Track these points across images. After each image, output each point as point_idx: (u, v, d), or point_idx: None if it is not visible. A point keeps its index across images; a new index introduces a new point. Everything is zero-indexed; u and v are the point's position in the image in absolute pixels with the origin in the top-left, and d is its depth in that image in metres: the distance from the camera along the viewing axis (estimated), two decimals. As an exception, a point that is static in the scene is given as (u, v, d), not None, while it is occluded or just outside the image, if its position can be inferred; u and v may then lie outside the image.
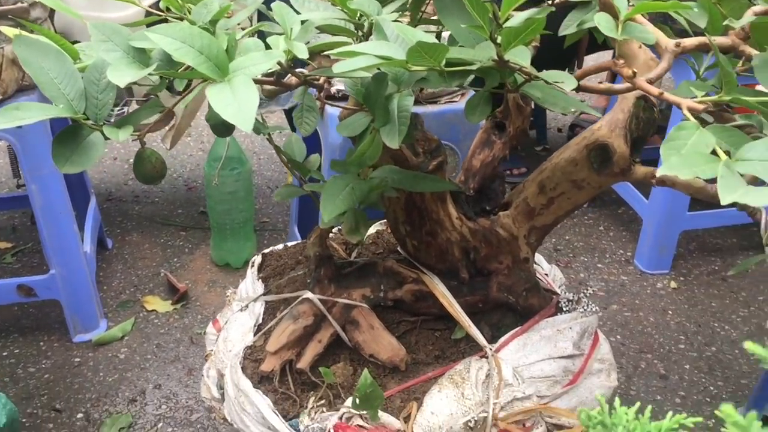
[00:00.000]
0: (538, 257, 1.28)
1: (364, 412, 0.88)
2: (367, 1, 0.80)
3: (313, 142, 1.52)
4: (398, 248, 1.10)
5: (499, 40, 0.65)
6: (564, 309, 1.10)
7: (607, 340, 1.17)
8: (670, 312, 2.05)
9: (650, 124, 0.92)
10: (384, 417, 0.89)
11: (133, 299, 2.06)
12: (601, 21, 0.65)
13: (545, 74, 0.68)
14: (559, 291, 1.19)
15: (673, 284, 2.18)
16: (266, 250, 1.24)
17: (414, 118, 0.93)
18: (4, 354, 1.85)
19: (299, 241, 1.27)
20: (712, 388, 1.79)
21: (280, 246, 1.25)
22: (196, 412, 1.68)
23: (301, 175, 1.05)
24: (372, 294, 1.02)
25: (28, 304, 1.95)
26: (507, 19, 0.65)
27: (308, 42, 0.78)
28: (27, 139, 1.63)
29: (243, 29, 0.95)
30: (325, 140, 1.70)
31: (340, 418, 0.89)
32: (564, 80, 0.66)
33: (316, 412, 0.91)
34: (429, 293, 1.02)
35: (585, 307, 1.11)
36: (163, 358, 1.85)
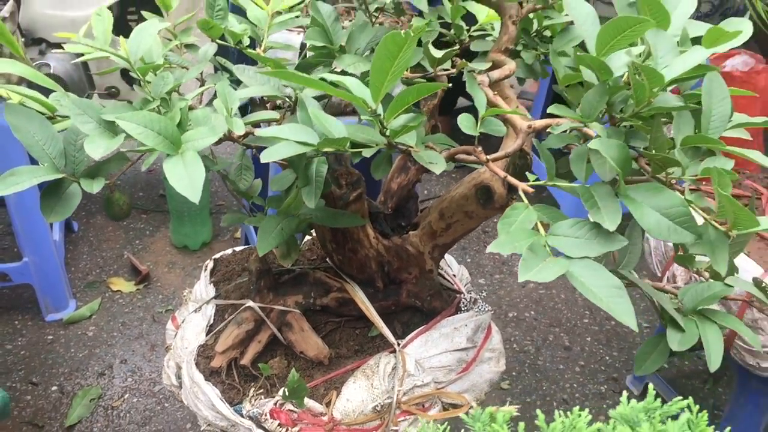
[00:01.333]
0: (450, 259, 1.50)
1: (293, 400, 1.09)
2: (301, 74, 0.99)
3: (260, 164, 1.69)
4: (328, 260, 1.31)
5: (387, 133, 0.85)
6: (463, 308, 1.32)
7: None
8: (600, 325, 2.28)
9: (524, 169, 1.12)
10: (309, 403, 1.11)
11: (99, 280, 2.24)
12: (463, 122, 0.86)
13: (423, 154, 0.88)
14: (464, 290, 1.40)
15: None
16: (217, 255, 1.43)
17: (339, 156, 1.13)
18: (-17, 333, 2.02)
19: (246, 247, 1.47)
20: (608, 358, 2.06)
21: (230, 251, 1.44)
22: (158, 384, 1.89)
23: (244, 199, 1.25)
24: (304, 301, 1.23)
25: (3, 287, 2.12)
26: (396, 117, 0.84)
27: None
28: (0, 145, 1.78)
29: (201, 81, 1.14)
30: (269, 171, 1.84)
31: (275, 404, 1.11)
32: (436, 162, 0.87)
33: (255, 400, 1.12)
34: (350, 299, 1.24)
35: (480, 307, 1.33)
36: (127, 335, 2.04)
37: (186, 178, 0.84)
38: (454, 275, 1.45)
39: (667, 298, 1.01)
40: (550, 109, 0.85)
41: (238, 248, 1.45)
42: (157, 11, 2.45)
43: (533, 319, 2.18)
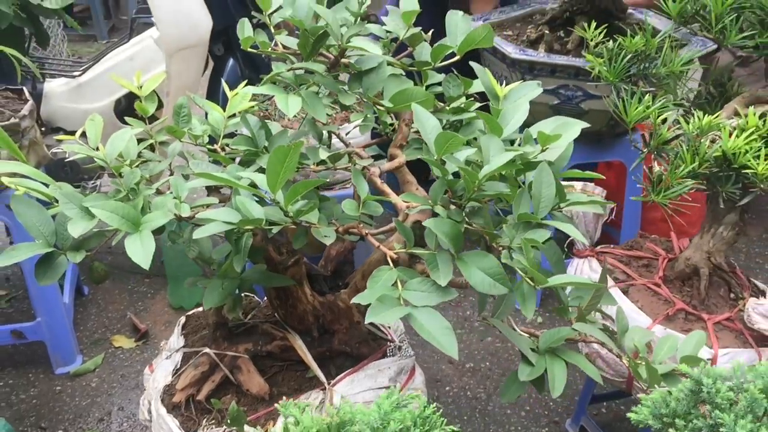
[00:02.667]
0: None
1: (236, 428, 1.34)
2: (233, 171, 1.27)
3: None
4: (275, 313, 1.56)
5: (290, 215, 1.12)
6: (389, 354, 1.56)
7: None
8: (490, 353, 2.47)
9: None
10: (249, 430, 1.35)
11: (103, 338, 2.51)
12: (346, 206, 1.13)
13: (320, 230, 1.15)
14: (396, 339, 1.65)
15: (540, 319, 2.66)
16: (190, 312, 1.69)
17: (283, 230, 1.40)
18: (0, 384, 2.29)
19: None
20: (551, 403, 2.26)
21: (200, 309, 1.71)
22: (150, 428, 2.13)
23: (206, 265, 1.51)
24: (253, 348, 1.49)
25: (19, 344, 2.39)
26: (293, 203, 1.11)
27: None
28: (16, 221, 2.08)
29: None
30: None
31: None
32: (328, 235, 1.13)
33: (208, 429, 1.37)
34: (291, 347, 1.49)
35: (404, 353, 1.57)
36: (126, 385, 2.30)
37: (141, 250, 1.12)
38: (389, 326, 1.69)
39: (526, 339, 1.25)
40: (402, 197, 1.12)
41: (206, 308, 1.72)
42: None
43: (488, 369, 2.40)
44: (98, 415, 2.18)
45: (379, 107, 1.36)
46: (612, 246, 1.91)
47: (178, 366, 1.51)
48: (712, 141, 1.45)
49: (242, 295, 1.40)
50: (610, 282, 1.77)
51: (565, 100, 2.26)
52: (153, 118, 2.95)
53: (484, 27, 1.31)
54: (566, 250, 1.89)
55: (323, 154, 1.25)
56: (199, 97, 1.54)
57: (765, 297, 1.74)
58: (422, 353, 2.40)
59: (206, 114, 1.44)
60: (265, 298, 1.71)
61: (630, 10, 2.46)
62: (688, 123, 1.47)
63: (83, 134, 1.38)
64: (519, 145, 1.21)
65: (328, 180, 1.16)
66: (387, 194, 1.20)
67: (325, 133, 1.44)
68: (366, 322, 0.96)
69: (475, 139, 1.24)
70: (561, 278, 1.05)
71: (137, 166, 1.36)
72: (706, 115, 1.46)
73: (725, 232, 1.72)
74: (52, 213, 1.26)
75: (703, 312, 1.66)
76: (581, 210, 1.79)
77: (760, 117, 1.44)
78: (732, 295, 1.72)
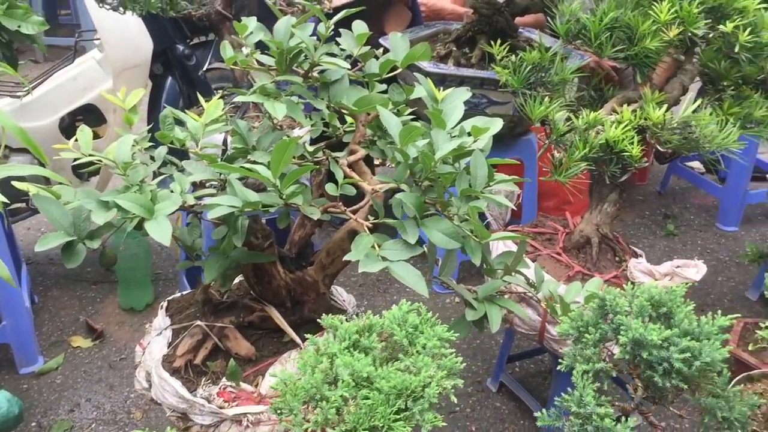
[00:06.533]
0: (341, 290, 2.01)
1: (232, 383, 1.57)
2: (222, 165, 1.51)
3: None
4: (251, 291, 1.80)
5: (284, 197, 1.37)
6: (347, 321, 1.82)
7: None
8: (452, 319, 2.83)
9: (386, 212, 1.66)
10: (243, 386, 1.58)
11: (60, 340, 2.63)
12: (329, 188, 1.39)
13: (307, 209, 1.41)
14: (350, 309, 1.92)
15: (457, 299, 2.99)
16: (170, 297, 1.90)
17: (254, 220, 1.64)
18: (-31, 386, 2.38)
19: (189, 291, 1.94)
20: (474, 367, 2.59)
21: (178, 294, 1.91)
22: (118, 414, 2.29)
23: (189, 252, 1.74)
24: (236, 319, 1.72)
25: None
26: (287, 187, 1.37)
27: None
28: None
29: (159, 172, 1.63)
30: (207, 231, 2.34)
31: (220, 388, 1.58)
32: (313, 213, 1.40)
33: (206, 387, 1.59)
34: (269, 317, 1.73)
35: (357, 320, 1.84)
36: (89, 380, 2.44)
37: (160, 230, 1.34)
38: (344, 300, 1.96)
39: (468, 292, 1.55)
40: (377, 177, 1.40)
41: (183, 292, 1.93)
42: (97, 121, 3.01)
43: (417, 343, 2.70)
44: (68, 407, 2.31)
45: (331, 112, 1.64)
46: (520, 225, 2.27)
47: (170, 340, 1.72)
48: (597, 132, 1.82)
49: (230, 275, 1.64)
50: (522, 253, 2.11)
51: (472, 107, 2.61)
52: (94, 136, 3.12)
53: (422, 45, 1.62)
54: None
55: (309, 148, 1.51)
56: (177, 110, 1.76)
57: (642, 258, 2.14)
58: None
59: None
60: (236, 280, 1.94)
61: (520, 29, 2.85)
62: (578, 119, 1.83)
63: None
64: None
65: (312, 168, 1.42)
66: (355, 178, 1.48)
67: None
68: (360, 271, 1.24)
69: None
70: (498, 234, 1.36)
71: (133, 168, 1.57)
72: (591, 112, 1.83)
73: (609, 208, 2.11)
74: (70, 207, 1.45)
75: (596, 272, 2.03)
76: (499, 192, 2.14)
77: (632, 112, 1.82)
78: (617, 259, 2.11)
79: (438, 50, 2.76)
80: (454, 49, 2.70)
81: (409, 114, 1.66)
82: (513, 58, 2.04)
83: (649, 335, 1.12)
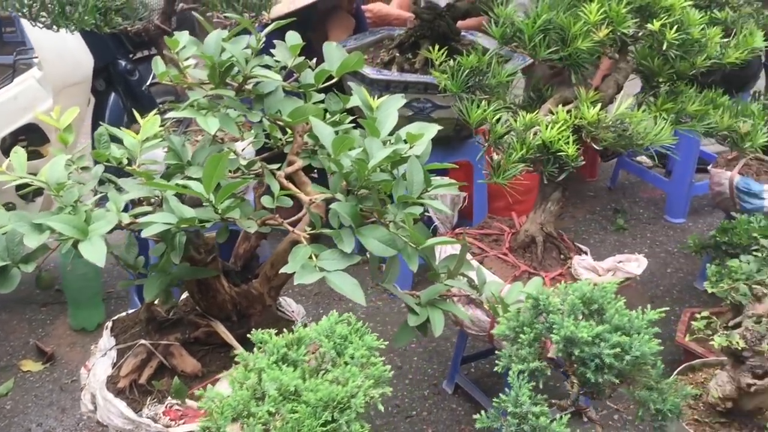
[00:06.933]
0: (290, 301, 2.00)
1: (178, 401, 1.55)
2: (162, 181, 1.49)
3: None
4: (196, 306, 1.79)
5: (219, 212, 1.37)
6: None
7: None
8: None
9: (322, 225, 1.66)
10: (190, 403, 1.57)
11: (10, 365, 2.58)
12: (264, 200, 1.39)
13: (244, 222, 1.40)
14: (299, 320, 1.91)
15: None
16: (115, 317, 1.87)
17: (196, 235, 1.63)
18: None
19: (134, 310, 1.92)
20: (429, 370, 2.60)
21: (124, 313, 1.89)
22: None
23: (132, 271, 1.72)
24: (182, 336, 1.70)
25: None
26: (222, 202, 1.36)
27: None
28: None
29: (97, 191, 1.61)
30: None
31: (166, 407, 1.56)
32: (251, 226, 1.39)
33: (152, 406, 1.57)
34: (215, 332, 1.72)
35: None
36: (41, 404, 2.40)
37: (94, 251, 1.32)
38: (293, 311, 1.96)
39: (411, 297, 1.56)
40: (312, 188, 1.40)
41: (129, 311, 1.91)
42: (41, 140, 2.96)
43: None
44: (18, 434, 2.27)
45: (272, 124, 1.63)
46: (467, 228, 2.29)
47: (115, 361, 1.69)
48: (535, 133, 1.85)
49: (172, 291, 1.62)
50: (469, 255, 2.13)
51: (417, 111, 2.63)
52: (38, 155, 3.05)
53: (355, 54, 1.63)
54: (432, 234, 2.24)
55: (242, 162, 1.51)
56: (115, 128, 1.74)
57: (587, 255, 2.17)
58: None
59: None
60: (182, 296, 1.92)
61: (463, 33, 2.88)
62: (516, 121, 1.86)
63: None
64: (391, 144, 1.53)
65: (248, 181, 1.41)
66: (293, 189, 1.48)
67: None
68: (296, 283, 1.24)
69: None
70: (433, 240, 1.37)
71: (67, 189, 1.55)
72: (529, 113, 1.86)
73: (552, 207, 2.14)
74: (3, 231, 1.43)
75: (542, 271, 2.06)
76: (440, 199, 2.16)
77: (567, 112, 1.86)
78: (562, 256, 2.14)
79: (382, 56, 2.78)
80: (397, 54, 2.72)
81: (351, 122, 1.66)
82: (451, 62, 2.06)
83: (579, 332, 1.15)
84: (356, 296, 1.28)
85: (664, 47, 1.85)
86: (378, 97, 1.95)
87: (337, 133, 1.59)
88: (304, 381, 0.94)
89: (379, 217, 1.40)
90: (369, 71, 2.60)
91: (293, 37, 1.64)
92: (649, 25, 1.84)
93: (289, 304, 1.98)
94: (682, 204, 3.65)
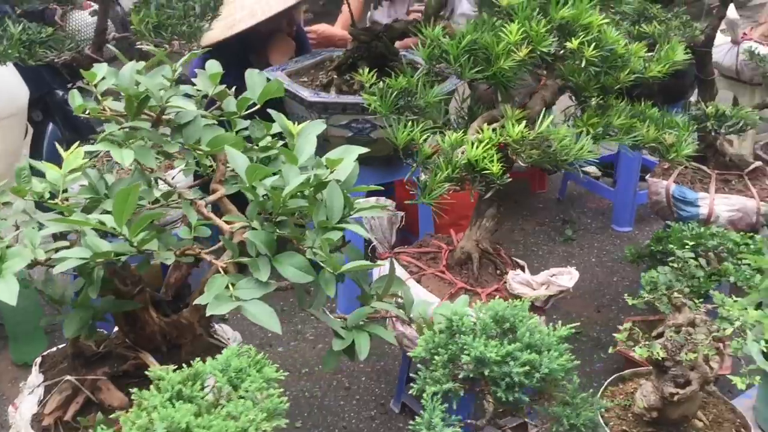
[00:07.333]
0: (226, 328, 1.99)
1: (105, 436, 1.53)
2: (81, 216, 1.48)
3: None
4: (126, 339, 1.77)
5: (135, 245, 1.36)
6: (231, 358, 1.81)
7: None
8: None
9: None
10: (117, 437, 1.55)
11: (-51, 403, 2.52)
12: (181, 233, 1.39)
13: (161, 254, 1.39)
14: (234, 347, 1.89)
15: (363, 323, 2.99)
16: (45, 353, 1.84)
17: (122, 267, 1.61)
18: None
19: (64, 345, 1.89)
20: (377, 390, 2.60)
21: (54, 349, 1.86)
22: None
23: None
24: (110, 370, 1.68)
25: None
26: (137, 234, 1.35)
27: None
28: None
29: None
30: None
31: (93, 443, 1.54)
32: (167, 258, 1.38)
33: (78, 443, 1.55)
34: (145, 364, 1.70)
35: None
36: (-21, 443, 2.34)
37: (6, 290, 1.30)
38: (228, 338, 1.94)
39: (338, 321, 1.56)
40: (225, 218, 1.40)
41: (60, 346, 1.87)
42: None
43: (320, 371, 2.69)
44: (-45, 475, 2.21)
45: (198, 152, 1.63)
46: (406, 246, 2.30)
47: (42, 398, 1.67)
48: (463, 152, 1.87)
49: (96, 326, 1.60)
50: (406, 274, 2.14)
51: (357, 132, 2.64)
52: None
53: (275, 81, 1.64)
54: (370, 254, 2.24)
55: (157, 193, 1.50)
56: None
57: (524, 270, 2.19)
58: (263, 366, 2.65)
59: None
60: (114, 329, 1.90)
61: (402, 52, 2.91)
62: (444, 141, 1.88)
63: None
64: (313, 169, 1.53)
65: (164, 213, 1.41)
66: (212, 219, 1.47)
67: (153, 179, 1.68)
68: (207, 314, 1.23)
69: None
70: (350, 265, 1.38)
71: (-15, 225, 1.53)
72: (456, 133, 1.88)
73: (488, 223, 2.16)
74: None
75: (478, 287, 2.07)
76: (377, 220, 2.17)
77: (493, 131, 1.88)
78: (498, 272, 2.16)
79: (321, 78, 2.79)
80: (335, 76, 2.73)
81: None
82: (380, 84, 2.08)
83: (488, 353, 1.16)
84: (272, 325, 1.27)
85: (583, 64, 1.88)
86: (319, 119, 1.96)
87: (262, 161, 1.60)
88: (196, 418, 0.94)
89: (298, 243, 1.40)
90: (306, 94, 2.61)
91: (213, 66, 1.64)
92: (568, 44, 1.87)
93: (225, 331, 1.96)
94: (627, 213, 3.71)
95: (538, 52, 1.87)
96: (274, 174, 1.45)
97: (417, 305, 1.66)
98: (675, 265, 1.97)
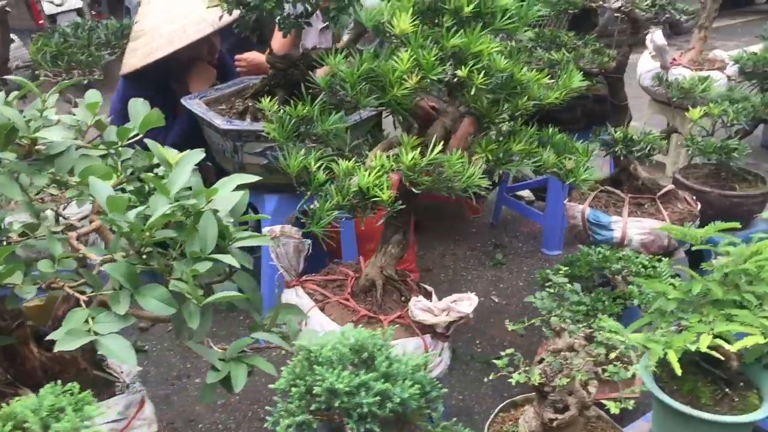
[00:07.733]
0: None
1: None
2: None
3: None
4: (6, 375, 1.72)
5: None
6: (117, 392, 1.77)
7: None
8: None
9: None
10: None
11: None
12: (41, 265, 1.36)
13: (23, 289, 1.36)
14: (126, 379, 1.86)
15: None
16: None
17: (3, 299, 1.57)
18: None
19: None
20: (293, 420, 2.56)
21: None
22: None
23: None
24: (-14, 408, 1.63)
25: None
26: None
27: None
28: None
29: None
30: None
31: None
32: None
33: (-55, 485, 1.49)
34: (24, 400, 1.65)
35: (133, 389, 1.79)
36: None
37: None
38: (122, 372, 1.90)
39: (216, 352, 1.54)
40: (85, 250, 1.38)
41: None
42: None
43: (237, 402, 2.65)
44: None
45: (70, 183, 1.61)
46: (313, 274, 2.29)
47: None
48: (355, 180, 1.87)
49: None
50: (311, 303, 2.13)
51: (272, 159, 2.63)
52: None
53: (155, 111, 1.63)
54: (278, 282, 2.23)
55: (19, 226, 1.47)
56: None
57: (431, 297, 2.20)
58: (177, 399, 2.61)
59: None
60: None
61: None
62: (338, 168, 1.88)
63: None
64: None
65: (32, 246, 1.38)
66: (81, 251, 1.45)
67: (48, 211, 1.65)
68: (55, 350, 1.20)
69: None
70: (217, 296, 1.36)
71: None
72: (349, 160, 1.88)
73: (393, 250, 2.16)
74: None
75: (381, 314, 2.07)
76: (282, 248, 2.15)
77: (388, 158, 1.89)
78: (402, 299, 2.15)
79: (237, 106, 2.78)
80: (251, 104, 2.73)
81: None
82: (280, 112, 2.08)
83: (338, 384, 1.14)
84: (128, 359, 1.25)
85: (473, 92, 1.90)
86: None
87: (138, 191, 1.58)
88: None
89: (165, 274, 1.38)
90: (220, 122, 2.60)
91: (92, 95, 1.62)
92: (458, 72, 1.89)
93: (118, 365, 1.92)
94: (556, 237, 3.75)
95: (429, 80, 1.88)
96: (142, 204, 1.43)
97: (319, 334, 1.65)
98: (552, 290, 1.99)
